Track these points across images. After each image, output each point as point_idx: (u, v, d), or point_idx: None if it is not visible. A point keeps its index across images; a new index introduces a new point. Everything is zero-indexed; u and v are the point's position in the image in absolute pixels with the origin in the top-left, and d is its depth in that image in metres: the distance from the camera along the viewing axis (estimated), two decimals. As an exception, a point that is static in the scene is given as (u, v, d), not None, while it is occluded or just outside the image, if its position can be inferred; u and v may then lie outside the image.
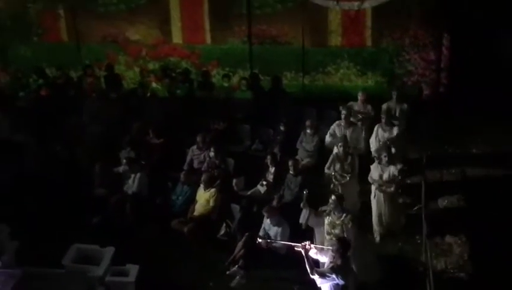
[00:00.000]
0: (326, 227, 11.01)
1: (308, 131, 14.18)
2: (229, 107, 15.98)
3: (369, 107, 14.73)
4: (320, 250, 9.34)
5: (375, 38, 17.49)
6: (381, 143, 13.39)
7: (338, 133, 13.65)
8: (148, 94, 16.62)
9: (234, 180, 13.46)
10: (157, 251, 12.25)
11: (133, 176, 13.33)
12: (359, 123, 14.28)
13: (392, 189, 12.28)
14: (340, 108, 13.98)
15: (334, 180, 12.83)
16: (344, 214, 10.87)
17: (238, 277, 11.57)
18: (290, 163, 12.90)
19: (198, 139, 14.12)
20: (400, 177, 12.28)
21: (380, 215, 12.51)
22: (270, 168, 13.24)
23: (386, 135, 13.50)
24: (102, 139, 14.95)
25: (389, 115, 13.89)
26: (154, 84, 16.84)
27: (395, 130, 13.58)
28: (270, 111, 15.62)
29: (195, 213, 12.72)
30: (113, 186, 13.44)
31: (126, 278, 10.28)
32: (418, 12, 16.82)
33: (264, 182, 13.03)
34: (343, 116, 13.78)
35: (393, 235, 12.59)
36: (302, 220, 11.87)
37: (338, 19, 17.47)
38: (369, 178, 12.49)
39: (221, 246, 12.30)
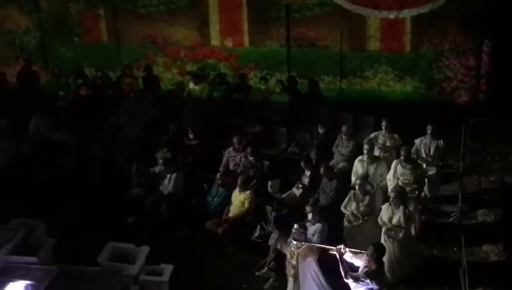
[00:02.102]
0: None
1: (344, 136, 14.10)
2: (266, 110, 15.98)
3: (395, 136, 13.65)
4: (355, 254, 9.28)
5: (414, 43, 17.39)
6: (401, 182, 12.20)
7: (360, 171, 12.66)
8: (185, 95, 16.70)
9: (269, 183, 13.45)
10: (192, 251, 12.30)
11: (168, 176, 13.39)
12: (385, 156, 13.34)
13: (401, 235, 11.04)
14: (364, 142, 12.94)
15: (346, 222, 11.79)
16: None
17: (271, 280, 11.56)
18: (322, 169, 12.85)
19: (235, 141, 14.15)
20: (404, 223, 10.93)
21: (390, 262, 11.02)
22: (306, 172, 13.21)
23: (407, 172, 12.24)
24: (139, 140, 15.06)
25: (408, 152, 12.38)
26: (191, 86, 16.90)
27: (430, 170, 12.90)
28: (306, 115, 15.58)
29: (230, 215, 12.74)
30: (149, 186, 13.52)
31: (160, 278, 10.31)
32: (458, 17, 16.69)
33: (300, 185, 12.99)
34: (365, 151, 12.70)
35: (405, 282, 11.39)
36: (270, 241, 11.70)
37: (377, 23, 17.43)
38: (378, 219, 11.35)
39: (255, 248, 12.29)
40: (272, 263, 11.66)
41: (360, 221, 11.67)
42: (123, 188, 13.62)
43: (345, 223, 11.81)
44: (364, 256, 9.14)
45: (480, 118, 14.76)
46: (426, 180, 12.78)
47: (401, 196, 11.09)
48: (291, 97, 16.24)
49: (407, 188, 11.88)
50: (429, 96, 17.46)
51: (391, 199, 11.14)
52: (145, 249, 10.55)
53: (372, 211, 11.68)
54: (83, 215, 12.88)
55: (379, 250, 9.23)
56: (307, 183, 13.09)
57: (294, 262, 10.08)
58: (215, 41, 18.35)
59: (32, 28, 19.18)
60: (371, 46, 17.73)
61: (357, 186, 11.78)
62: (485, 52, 16.80)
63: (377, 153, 13.30)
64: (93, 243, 11.03)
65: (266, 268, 11.74)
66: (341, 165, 13.86)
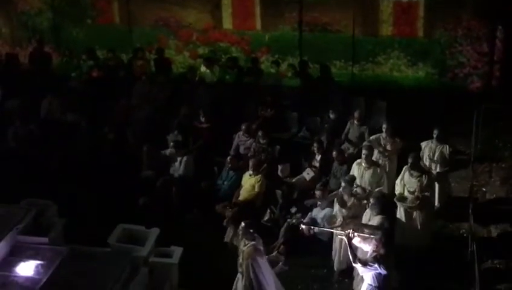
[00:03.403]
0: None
1: (356, 122, 14.06)
2: (277, 94, 15.95)
3: (397, 139, 13.00)
4: (364, 239, 9.28)
5: (427, 28, 17.30)
6: (407, 189, 11.64)
7: (357, 174, 12.00)
8: (197, 79, 16.70)
9: (280, 167, 13.45)
10: (201, 234, 12.33)
11: (179, 159, 13.43)
12: (384, 162, 12.71)
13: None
14: (363, 146, 12.37)
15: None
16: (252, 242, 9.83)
17: (280, 263, 11.59)
18: (334, 153, 12.82)
19: (245, 125, 14.16)
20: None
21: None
22: (317, 156, 13.21)
23: (413, 180, 11.55)
24: (150, 122, 15.10)
25: (416, 159, 11.70)
26: (203, 69, 16.90)
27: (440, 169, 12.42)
28: (317, 99, 15.54)
29: (240, 198, 12.77)
30: (160, 168, 13.56)
31: (170, 260, 10.34)
32: (472, 3, 16.59)
33: (310, 170, 12.98)
34: (363, 156, 12.05)
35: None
36: (226, 238, 11.60)
37: (390, 8, 17.35)
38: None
39: (265, 231, 12.30)
40: (282, 246, 11.70)
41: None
42: (134, 170, 13.66)
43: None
44: (373, 241, 9.12)
45: (492, 104, 14.70)
46: (437, 186, 12.38)
47: (380, 203, 10.48)
48: (302, 82, 16.20)
49: (411, 197, 11.50)
50: (442, 82, 17.37)
51: (370, 204, 10.61)
52: (155, 231, 10.58)
53: (357, 216, 10.89)
54: (93, 197, 12.94)
55: (388, 235, 9.22)
56: (317, 167, 13.08)
57: (240, 260, 9.93)
58: (227, 24, 18.30)
59: (45, 9, 19.21)
60: (384, 31, 17.65)
61: (341, 189, 11.37)
62: (498, 38, 16.69)
63: (375, 157, 12.69)
64: (103, 224, 11.08)
65: (276, 252, 11.77)
66: (351, 150, 13.82)
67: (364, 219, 10.60)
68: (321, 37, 17.77)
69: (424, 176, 11.52)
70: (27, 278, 8.89)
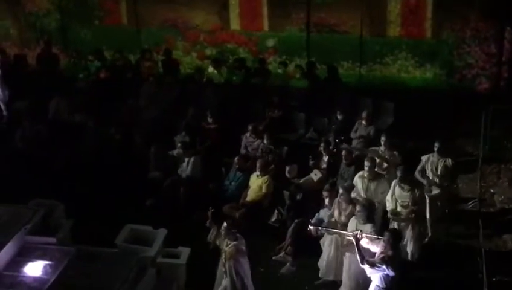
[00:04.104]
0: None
1: (364, 123, 14.03)
2: (284, 95, 15.94)
3: (395, 153, 12.53)
4: (372, 240, 9.27)
5: (435, 29, 17.29)
6: (399, 204, 11.21)
7: (360, 186, 11.73)
8: (204, 79, 16.71)
9: (287, 168, 13.44)
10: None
11: (187, 160, 13.42)
12: (385, 174, 12.22)
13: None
14: (365, 159, 11.89)
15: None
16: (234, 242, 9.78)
17: (288, 264, 11.60)
18: (343, 153, 12.80)
19: (252, 126, 14.15)
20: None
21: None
22: (324, 157, 13.18)
23: (405, 194, 11.15)
24: (158, 123, 15.12)
25: (404, 173, 11.22)
26: (210, 70, 16.92)
27: (434, 189, 11.88)
28: (325, 100, 15.53)
29: (248, 199, 12.76)
30: (168, 169, 13.57)
31: (177, 260, 10.34)
32: (480, 4, 16.53)
33: (317, 171, 12.97)
34: (366, 168, 11.69)
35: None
36: (208, 238, 11.53)
37: (397, 9, 17.33)
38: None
39: (273, 232, 12.30)
40: (289, 247, 11.69)
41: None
42: (142, 171, 13.68)
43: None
44: (381, 242, 9.11)
45: (500, 105, 14.66)
46: (428, 201, 11.77)
47: (367, 211, 10.16)
48: (310, 82, 16.20)
49: (404, 211, 11.12)
50: (449, 83, 17.33)
51: (356, 211, 10.32)
52: (162, 232, 10.59)
53: None
54: (101, 197, 12.96)
55: (395, 236, 9.20)
56: (325, 168, 13.07)
57: (223, 260, 9.88)
58: (234, 25, 18.31)
59: (53, 10, 19.27)
60: (391, 32, 17.65)
61: (340, 196, 11.11)
62: (506, 39, 16.66)
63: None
64: (111, 225, 11.09)
65: (283, 253, 11.78)
66: (358, 152, 13.79)
67: (350, 227, 10.22)
68: (328, 38, 17.77)
69: (415, 189, 11.17)
70: (35, 278, 8.92)
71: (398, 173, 11.28)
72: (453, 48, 17.13)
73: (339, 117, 14.48)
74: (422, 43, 17.48)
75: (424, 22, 17.32)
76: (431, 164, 12.04)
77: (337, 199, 11.17)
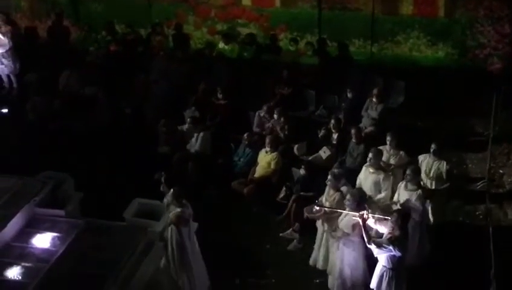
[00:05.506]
0: None
1: (374, 99, 13.95)
2: (295, 71, 15.88)
3: (401, 153, 11.78)
4: (379, 220, 9.22)
5: (448, 8, 17.09)
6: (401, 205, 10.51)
7: (363, 177, 11.20)
8: (215, 55, 16.66)
9: (296, 145, 13.43)
10: (217, 210, 12.37)
11: (196, 135, 13.43)
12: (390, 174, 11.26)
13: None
14: (370, 151, 11.24)
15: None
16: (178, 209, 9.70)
17: (295, 241, 11.64)
18: (352, 131, 12.72)
19: (266, 106, 14.12)
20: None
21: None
22: (333, 134, 13.15)
23: (407, 195, 10.52)
24: (168, 97, 15.11)
25: (414, 172, 10.56)
26: (221, 46, 16.86)
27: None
28: (335, 78, 15.46)
29: (256, 175, 12.77)
30: (177, 144, 13.58)
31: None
32: (494, -17, 16.38)
33: (326, 148, 12.94)
34: (368, 159, 11.14)
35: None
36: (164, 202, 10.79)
37: (410, -14, 17.16)
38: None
39: (281, 209, 12.31)
40: (296, 224, 11.72)
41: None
42: (151, 145, 13.70)
43: None
44: (389, 223, 9.05)
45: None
46: (430, 206, 11.22)
47: (356, 201, 9.55)
48: (321, 60, 16.12)
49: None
50: (461, 62, 17.20)
51: (345, 201, 9.75)
52: (170, 206, 10.60)
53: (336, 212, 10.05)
54: (110, 170, 13.00)
55: (403, 216, 9.17)
56: (334, 144, 13.04)
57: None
58: (246, 1, 18.21)
59: (64, -18, 19.22)
60: (404, 10, 17.47)
61: (327, 181, 10.60)
62: (520, 19, 16.51)
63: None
64: (120, 198, 11.13)
65: (290, 230, 11.82)
66: (369, 129, 13.75)
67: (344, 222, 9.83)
68: (340, 15, 17.63)
69: (420, 190, 10.56)
70: (43, 250, 8.95)
71: (408, 172, 10.59)
72: (465, 28, 16.96)
73: (349, 95, 14.41)
74: (434, 22, 17.31)
75: (437, 0, 17.15)
76: (426, 165, 11.52)
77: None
